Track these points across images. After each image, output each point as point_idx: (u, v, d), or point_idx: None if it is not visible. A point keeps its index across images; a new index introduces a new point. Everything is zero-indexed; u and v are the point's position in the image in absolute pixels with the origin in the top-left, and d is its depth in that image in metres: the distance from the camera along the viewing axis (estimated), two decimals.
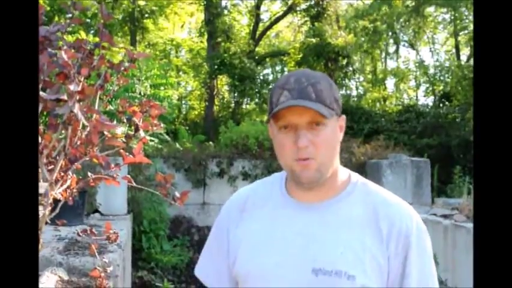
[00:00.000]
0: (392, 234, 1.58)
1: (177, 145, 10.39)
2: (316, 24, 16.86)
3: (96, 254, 2.36)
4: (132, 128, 2.28)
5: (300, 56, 16.71)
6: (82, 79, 1.92)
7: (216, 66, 15.39)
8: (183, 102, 19.31)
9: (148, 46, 20.65)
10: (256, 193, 1.79)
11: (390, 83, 22.66)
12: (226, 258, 1.76)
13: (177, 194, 2.27)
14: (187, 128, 14.41)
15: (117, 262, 3.97)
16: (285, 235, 1.64)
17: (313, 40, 16.04)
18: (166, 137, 10.21)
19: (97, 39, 2.10)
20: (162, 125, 2.44)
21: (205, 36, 17.35)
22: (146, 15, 19.17)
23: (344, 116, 1.69)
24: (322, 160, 1.58)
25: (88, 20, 14.44)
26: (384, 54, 22.58)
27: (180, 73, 20.66)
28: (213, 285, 1.83)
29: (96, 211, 6.70)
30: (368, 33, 18.33)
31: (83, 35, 8.70)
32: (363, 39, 18.47)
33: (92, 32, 14.33)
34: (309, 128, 1.56)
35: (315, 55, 15.71)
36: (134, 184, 2.37)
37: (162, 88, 10.45)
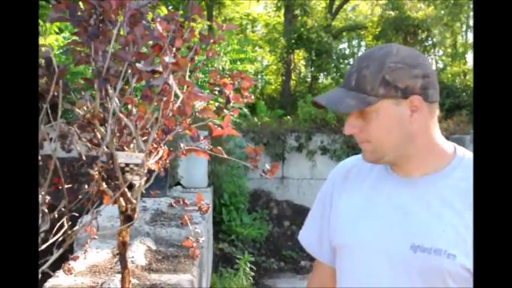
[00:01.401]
0: None
1: (255, 119, 10.43)
2: None
3: (189, 224, 2.39)
4: (223, 100, 2.29)
5: (378, 29, 16.47)
6: (175, 51, 1.94)
7: (293, 41, 15.31)
8: (259, 77, 19.37)
9: (225, 21, 20.72)
10: (361, 164, 1.77)
11: (471, 57, 22.01)
12: (328, 224, 1.78)
13: (268, 166, 2.27)
14: (264, 102, 14.46)
15: (203, 233, 4.03)
16: (384, 209, 1.61)
17: (392, 13, 15.79)
18: (246, 110, 10.27)
19: (181, 12, 2.11)
20: (252, 96, 2.44)
21: (282, 11, 17.28)
22: None
23: (416, 97, 1.51)
24: (378, 143, 1.56)
25: None
26: (464, 28, 21.91)
27: (256, 48, 20.67)
28: (314, 252, 1.87)
29: (178, 184, 6.82)
30: (448, 5, 17.82)
31: (164, 10, 8.79)
32: (443, 12, 17.97)
33: (170, 7, 14.49)
34: (357, 114, 1.55)
35: (394, 29, 15.45)
36: (225, 155, 2.39)
37: (238, 63, 10.49)
